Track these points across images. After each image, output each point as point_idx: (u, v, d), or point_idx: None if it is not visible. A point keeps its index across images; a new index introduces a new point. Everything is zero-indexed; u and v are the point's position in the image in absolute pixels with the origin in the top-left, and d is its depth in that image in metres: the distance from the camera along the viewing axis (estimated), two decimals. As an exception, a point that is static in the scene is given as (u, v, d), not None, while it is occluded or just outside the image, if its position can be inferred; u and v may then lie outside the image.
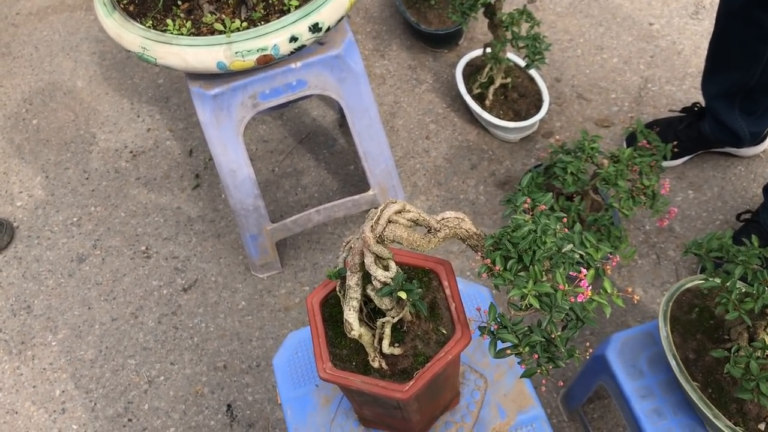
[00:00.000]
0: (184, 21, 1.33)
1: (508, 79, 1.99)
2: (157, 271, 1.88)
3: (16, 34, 2.54)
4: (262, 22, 1.31)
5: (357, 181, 2.01)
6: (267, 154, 2.10)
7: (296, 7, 1.32)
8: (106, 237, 1.96)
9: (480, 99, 2.02)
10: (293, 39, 1.30)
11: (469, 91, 2.03)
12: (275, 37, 1.29)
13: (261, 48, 1.29)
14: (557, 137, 2.01)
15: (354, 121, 1.63)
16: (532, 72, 2.02)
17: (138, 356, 1.74)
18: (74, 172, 2.11)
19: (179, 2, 1.37)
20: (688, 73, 2.12)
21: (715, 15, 1.66)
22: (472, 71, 2.08)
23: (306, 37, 1.32)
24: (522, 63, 2.00)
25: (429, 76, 2.23)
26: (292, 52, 1.33)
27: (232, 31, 1.29)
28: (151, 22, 1.35)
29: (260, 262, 1.81)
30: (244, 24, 1.31)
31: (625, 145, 1.96)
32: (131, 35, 1.33)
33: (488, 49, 1.91)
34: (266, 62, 1.32)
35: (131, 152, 2.14)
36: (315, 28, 1.31)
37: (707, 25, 2.23)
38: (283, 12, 1.32)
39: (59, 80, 2.37)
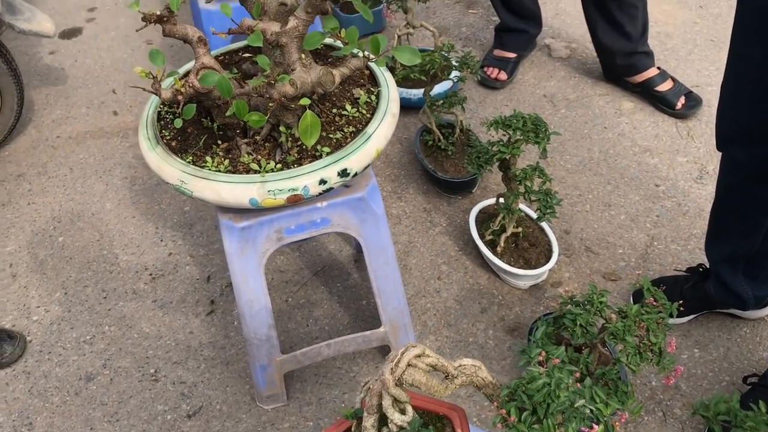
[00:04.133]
0: (223, 159, 1.43)
1: (520, 229, 2.07)
2: (163, 396, 1.88)
3: (54, 155, 2.69)
4: (295, 165, 1.41)
5: (368, 317, 2.04)
6: (282, 284, 2.15)
7: (328, 154, 1.42)
8: (116, 357, 1.98)
9: (492, 245, 2.09)
10: (322, 182, 1.39)
11: (482, 236, 2.11)
12: (306, 179, 1.38)
13: (292, 188, 1.37)
14: (566, 288, 2.06)
15: (371, 258, 1.70)
16: (543, 223, 2.11)
17: (134, 483, 1.71)
18: (93, 291, 2.16)
19: (219, 142, 1.48)
20: (692, 234, 2.21)
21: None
22: (484, 218, 2.17)
23: (334, 180, 1.41)
24: (533, 214, 2.09)
25: (443, 219, 2.32)
26: (320, 194, 1.42)
27: (267, 172, 1.39)
28: (191, 158, 1.45)
29: (267, 393, 1.81)
30: (278, 165, 1.41)
31: (632, 300, 2.00)
32: (172, 169, 1.42)
33: (501, 200, 2.01)
34: (295, 201, 1.41)
35: (151, 275, 2.20)
36: (343, 173, 1.41)
37: (711, 189, 2.34)
38: (315, 157, 1.42)
39: (89, 201, 2.48)
